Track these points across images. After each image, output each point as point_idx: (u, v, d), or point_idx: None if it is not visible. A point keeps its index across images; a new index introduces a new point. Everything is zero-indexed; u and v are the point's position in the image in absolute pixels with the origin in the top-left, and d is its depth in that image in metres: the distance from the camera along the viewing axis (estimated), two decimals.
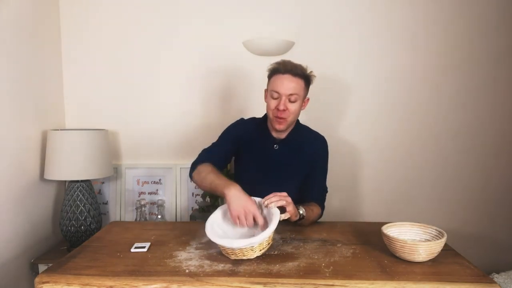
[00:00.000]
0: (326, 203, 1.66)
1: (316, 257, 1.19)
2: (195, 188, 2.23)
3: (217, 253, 1.21)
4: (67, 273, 1.08)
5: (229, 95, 2.24)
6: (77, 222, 1.94)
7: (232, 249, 1.14)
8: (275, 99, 1.49)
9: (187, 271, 1.09)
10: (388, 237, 1.18)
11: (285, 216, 1.28)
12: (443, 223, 1.84)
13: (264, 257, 1.19)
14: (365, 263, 1.16)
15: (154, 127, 2.26)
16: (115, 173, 2.27)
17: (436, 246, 1.13)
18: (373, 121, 2.22)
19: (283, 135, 1.60)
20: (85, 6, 2.19)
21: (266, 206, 1.27)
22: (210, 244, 1.25)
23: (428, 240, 1.21)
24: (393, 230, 1.25)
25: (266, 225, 1.22)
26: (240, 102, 2.23)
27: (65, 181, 2.13)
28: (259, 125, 1.63)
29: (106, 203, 2.29)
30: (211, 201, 2.06)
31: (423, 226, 1.26)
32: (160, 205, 2.19)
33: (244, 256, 1.15)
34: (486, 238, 2.23)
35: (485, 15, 2.13)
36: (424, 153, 2.23)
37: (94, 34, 2.21)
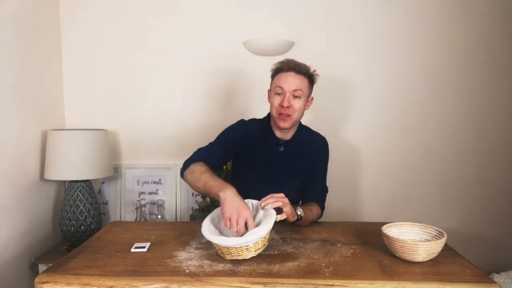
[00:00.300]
0: (326, 203, 1.66)
1: (316, 257, 1.19)
2: None
3: (217, 253, 1.21)
4: (67, 273, 1.08)
5: (229, 95, 2.24)
6: (77, 222, 1.94)
7: (227, 248, 1.13)
8: (279, 95, 1.48)
9: (187, 271, 1.09)
10: (388, 237, 1.18)
11: (281, 217, 1.27)
12: (443, 223, 1.85)
13: (264, 257, 1.19)
14: (365, 263, 1.15)
15: (154, 127, 2.26)
16: (115, 173, 2.27)
17: (436, 246, 1.13)
18: (373, 121, 2.22)
19: (287, 136, 1.58)
20: (85, 6, 2.19)
21: (263, 208, 1.26)
22: (210, 244, 1.25)
23: (428, 240, 1.20)
24: (393, 230, 1.25)
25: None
26: (240, 102, 2.23)
27: (65, 181, 2.13)
28: (262, 126, 1.61)
29: (106, 203, 2.29)
30: (211, 201, 2.06)
31: (423, 226, 1.26)
32: (160, 205, 2.19)
33: (239, 256, 1.15)
34: (486, 238, 2.24)
35: (485, 15, 2.13)
36: (425, 153, 2.23)
37: (94, 34, 2.21)
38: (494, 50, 2.15)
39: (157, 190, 2.28)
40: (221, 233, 1.24)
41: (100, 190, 2.29)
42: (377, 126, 2.22)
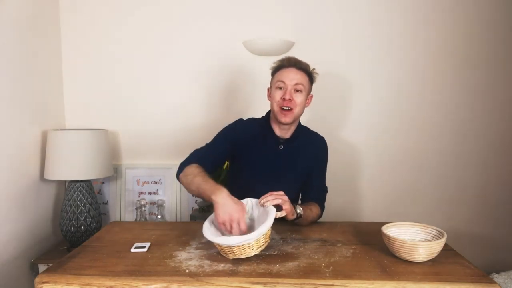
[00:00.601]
0: (326, 203, 1.66)
1: (316, 257, 1.19)
2: None
3: (217, 253, 1.21)
4: (67, 273, 1.08)
5: (229, 95, 2.24)
6: (77, 222, 1.94)
7: (230, 246, 1.13)
8: (280, 89, 1.49)
9: (187, 271, 1.09)
10: (388, 237, 1.18)
11: (281, 214, 1.27)
12: (443, 223, 1.85)
13: (264, 257, 1.19)
14: (365, 263, 1.15)
15: (154, 127, 2.26)
16: (115, 173, 2.27)
17: (436, 246, 1.13)
18: (373, 121, 2.22)
19: (287, 134, 1.58)
20: (85, 7, 2.19)
21: (262, 205, 1.27)
22: (210, 244, 1.25)
23: (428, 240, 1.20)
24: (393, 230, 1.25)
25: (249, 231, 1.20)
26: (240, 102, 2.23)
27: (65, 181, 2.13)
28: (261, 125, 1.61)
29: (106, 203, 2.29)
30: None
31: (423, 226, 1.26)
32: (160, 205, 2.18)
33: (242, 254, 1.15)
34: (486, 238, 2.24)
35: (486, 15, 2.13)
36: (425, 153, 2.23)
37: (94, 34, 2.21)
38: (493, 50, 2.15)
39: (157, 190, 2.28)
40: (222, 233, 1.25)
41: (100, 190, 2.29)
42: (377, 126, 2.22)
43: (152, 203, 2.23)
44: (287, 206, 1.32)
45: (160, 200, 2.21)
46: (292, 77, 1.47)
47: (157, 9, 2.18)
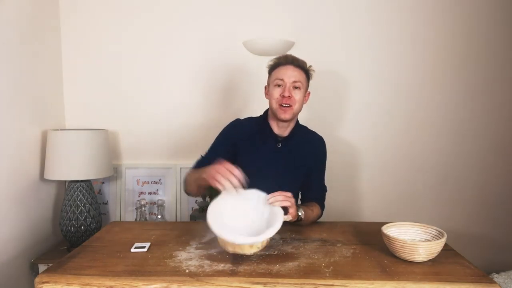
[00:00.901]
0: (326, 203, 1.66)
1: (316, 257, 1.19)
2: None
3: (217, 253, 1.21)
4: (67, 273, 1.08)
5: (229, 95, 2.24)
6: (77, 222, 1.94)
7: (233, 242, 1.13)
8: (279, 86, 1.50)
9: (187, 271, 1.09)
10: (388, 237, 1.18)
11: (286, 217, 1.27)
12: (443, 223, 1.84)
13: (264, 257, 1.18)
14: (365, 263, 1.15)
15: (154, 127, 2.26)
16: (115, 173, 2.27)
17: (436, 246, 1.13)
18: (373, 121, 2.22)
19: (285, 132, 1.58)
20: (85, 6, 2.19)
21: (271, 203, 1.26)
22: (210, 244, 1.25)
23: (428, 240, 1.20)
24: (393, 230, 1.25)
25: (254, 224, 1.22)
26: (240, 102, 2.23)
27: (65, 181, 2.13)
28: (259, 124, 1.61)
29: (106, 203, 2.29)
30: (211, 201, 2.05)
31: (423, 226, 1.26)
32: (160, 205, 2.18)
33: (241, 250, 1.14)
34: (486, 238, 2.24)
35: (485, 15, 2.13)
36: (424, 153, 2.23)
37: (94, 34, 2.21)
38: (493, 50, 2.15)
39: (157, 190, 2.28)
40: (230, 225, 1.22)
41: (100, 190, 2.29)
42: (377, 126, 2.22)
43: (152, 203, 2.23)
44: (293, 210, 1.32)
45: (160, 200, 2.21)
46: (290, 74, 1.48)
47: (157, 9, 2.18)
